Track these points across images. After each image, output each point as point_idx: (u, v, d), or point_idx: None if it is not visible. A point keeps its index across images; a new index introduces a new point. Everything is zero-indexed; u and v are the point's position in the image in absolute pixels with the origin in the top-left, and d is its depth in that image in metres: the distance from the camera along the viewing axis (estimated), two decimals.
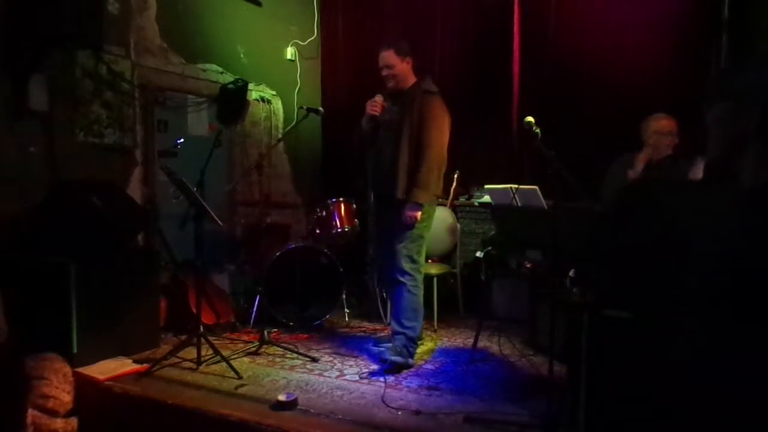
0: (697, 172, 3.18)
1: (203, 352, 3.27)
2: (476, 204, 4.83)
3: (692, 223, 1.74)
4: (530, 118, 2.72)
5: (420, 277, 3.38)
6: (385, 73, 3.38)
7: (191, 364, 3.25)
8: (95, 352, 3.24)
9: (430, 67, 5.32)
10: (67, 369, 2.98)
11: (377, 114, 3.35)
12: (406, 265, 3.32)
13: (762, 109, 1.40)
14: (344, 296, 4.36)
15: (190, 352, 3.29)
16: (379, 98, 3.37)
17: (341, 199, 4.29)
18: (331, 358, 3.43)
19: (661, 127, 3.37)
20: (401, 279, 3.32)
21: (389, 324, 3.53)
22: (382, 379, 3.09)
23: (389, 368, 3.20)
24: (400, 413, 2.64)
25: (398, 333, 3.32)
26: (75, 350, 3.14)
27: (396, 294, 3.37)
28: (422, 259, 3.44)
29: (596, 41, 4.46)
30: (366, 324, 4.27)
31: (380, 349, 3.55)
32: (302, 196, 5.68)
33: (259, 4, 5.25)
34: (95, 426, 2.88)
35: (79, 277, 3.17)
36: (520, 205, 3.28)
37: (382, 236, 3.55)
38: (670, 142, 3.35)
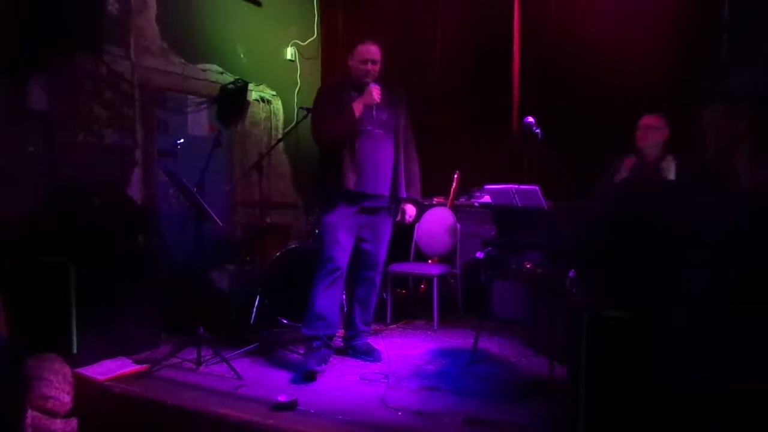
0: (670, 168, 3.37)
1: (203, 353, 3.27)
2: (476, 204, 4.82)
3: (690, 222, 1.75)
4: (531, 119, 2.73)
5: None
6: (369, 67, 3.29)
7: (191, 364, 3.25)
8: (95, 352, 3.24)
9: (430, 67, 5.36)
10: (67, 369, 2.98)
11: (379, 102, 3.24)
12: (383, 262, 3.49)
13: (751, 110, 1.40)
14: (344, 297, 4.36)
15: (190, 352, 3.29)
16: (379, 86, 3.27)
17: None
18: (331, 358, 3.42)
19: (646, 122, 3.47)
20: (376, 280, 3.48)
21: (364, 325, 3.57)
22: (382, 378, 3.10)
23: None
24: (400, 413, 2.64)
25: (366, 333, 3.55)
26: (75, 350, 3.15)
27: (370, 287, 3.49)
28: None
29: (596, 41, 4.45)
30: None
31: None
32: (302, 196, 5.68)
33: (259, 4, 5.25)
34: (95, 426, 2.88)
35: (79, 277, 3.17)
36: (520, 205, 3.28)
37: (355, 240, 3.37)
38: (657, 136, 3.43)
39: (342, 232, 3.28)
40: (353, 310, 3.51)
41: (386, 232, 3.46)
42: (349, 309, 3.55)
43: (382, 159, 3.34)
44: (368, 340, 3.57)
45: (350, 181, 3.24)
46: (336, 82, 3.54)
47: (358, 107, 3.21)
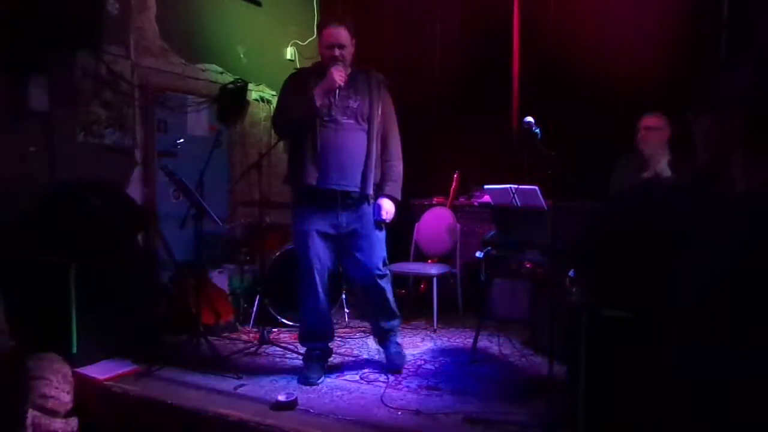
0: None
1: (203, 352, 3.27)
2: (476, 204, 4.83)
3: (689, 225, 1.75)
4: (530, 118, 2.73)
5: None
6: (335, 52, 2.94)
7: (191, 364, 3.25)
8: (95, 352, 3.25)
9: (429, 67, 5.36)
10: (67, 369, 2.98)
11: (342, 84, 2.93)
12: (381, 263, 3.14)
13: (745, 116, 1.40)
14: (344, 296, 4.37)
15: (190, 352, 3.29)
16: (342, 68, 2.94)
17: None
18: (331, 358, 3.42)
19: (647, 123, 3.47)
20: (381, 279, 3.13)
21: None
22: (382, 378, 3.10)
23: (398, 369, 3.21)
24: (400, 413, 2.65)
25: (392, 330, 3.27)
26: (75, 350, 3.15)
27: (378, 292, 3.15)
28: None
29: (596, 41, 4.45)
30: (366, 324, 4.26)
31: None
32: None
33: (259, 4, 5.26)
34: (95, 426, 2.88)
35: (79, 277, 3.17)
36: (519, 205, 3.28)
37: (331, 240, 3.09)
38: (659, 136, 3.43)
39: (316, 240, 3.02)
40: (376, 319, 3.27)
41: (371, 234, 3.09)
42: (372, 318, 3.33)
43: (351, 151, 2.98)
44: (397, 341, 3.37)
45: (311, 176, 2.93)
46: (304, 71, 3.28)
47: (318, 94, 2.91)
